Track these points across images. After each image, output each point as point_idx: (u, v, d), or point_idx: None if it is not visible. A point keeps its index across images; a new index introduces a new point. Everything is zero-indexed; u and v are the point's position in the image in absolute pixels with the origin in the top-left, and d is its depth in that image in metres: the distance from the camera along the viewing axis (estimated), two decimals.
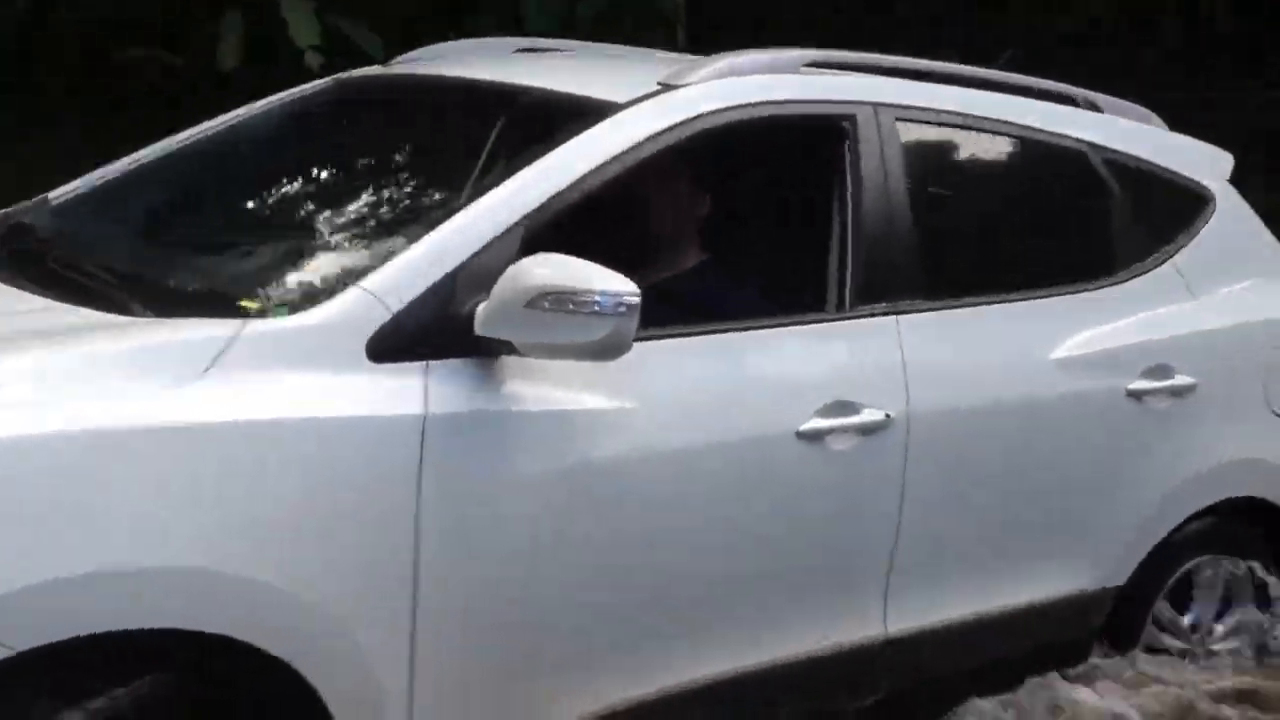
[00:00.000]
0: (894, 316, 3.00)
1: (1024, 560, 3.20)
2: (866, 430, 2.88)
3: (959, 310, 3.14)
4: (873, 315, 2.98)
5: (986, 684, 3.21)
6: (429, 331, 2.43)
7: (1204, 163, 3.75)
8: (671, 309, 2.89)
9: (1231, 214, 3.70)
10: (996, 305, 3.20)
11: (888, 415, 2.90)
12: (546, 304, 2.37)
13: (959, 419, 3.03)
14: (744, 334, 2.85)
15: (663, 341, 2.72)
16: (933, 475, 2.98)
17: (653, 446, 2.63)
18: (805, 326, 2.95)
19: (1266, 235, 3.78)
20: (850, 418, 2.86)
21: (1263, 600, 3.61)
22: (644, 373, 2.64)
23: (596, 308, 2.38)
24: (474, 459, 2.44)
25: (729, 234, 3.20)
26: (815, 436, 2.81)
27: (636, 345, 2.55)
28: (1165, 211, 3.61)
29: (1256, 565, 3.58)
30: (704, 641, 2.76)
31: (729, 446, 2.73)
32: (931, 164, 3.30)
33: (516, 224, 2.57)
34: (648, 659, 2.70)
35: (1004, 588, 3.16)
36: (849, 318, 2.98)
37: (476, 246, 2.52)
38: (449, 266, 2.48)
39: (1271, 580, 3.59)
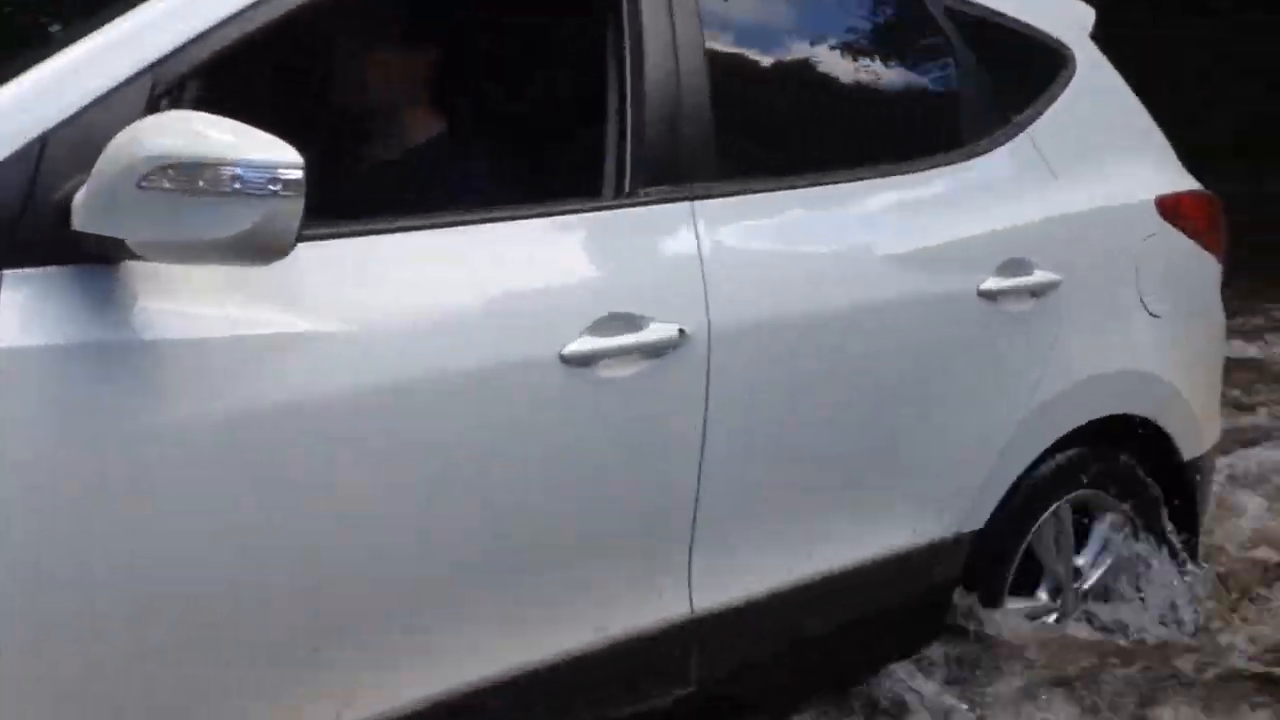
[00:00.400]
0: (689, 203, 2.30)
1: (860, 507, 2.54)
2: (654, 351, 2.18)
3: (772, 194, 2.45)
4: (662, 201, 2.28)
5: (823, 662, 2.57)
6: (1, 227, 1.66)
7: (1062, 15, 3.13)
8: (392, 195, 2.17)
9: (1095, 76, 3.09)
10: (819, 188, 2.52)
11: (681, 331, 2.20)
12: (167, 182, 1.61)
13: (773, 333, 2.34)
14: (490, 227, 2.13)
15: (377, 239, 1.99)
16: (742, 407, 2.30)
17: (358, 382, 1.90)
18: (573, 216, 2.23)
19: (1133, 101, 3.18)
20: (632, 335, 2.16)
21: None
22: (351, 282, 1.92)
23: (238, 185, 1.62)
24: (74, 411, 1.68)
25: (471, 96, 2.46)
26: (586, 361, 2.10)
27: (341, 245, 1.92)
28: (1019, 73, 2.97)
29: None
30: (442, 646, 2.05)
31: (466, 379, 2.00)
32: (736, 8, 2.59)
33: (140, 75, 1.79)
34: (362, 675, 1.97)
35: (838, 543, 2.50)
36: (630, 204, 2.26)
37: (77, 105, 1.74)
38: (32, 133, 1.70)
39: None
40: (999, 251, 2.70)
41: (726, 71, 2.43)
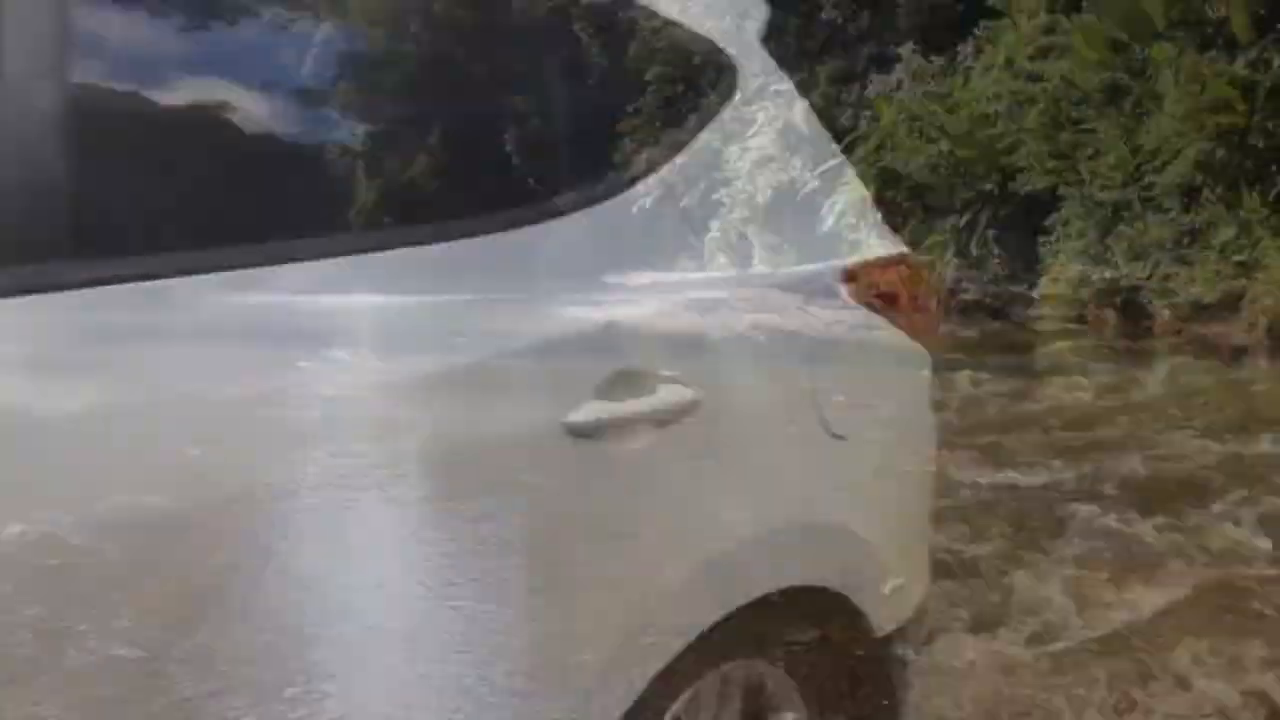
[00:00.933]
0: None
1: None
2: None
3: (163, 283, 1.42)
4: None
5: None
6: None
7: (722, 8, 2.20)
8: None
9: (765, 94, 2.17)
10: (252, 271, 1.49)
11: None
12: None
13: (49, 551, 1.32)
14: None
15: None
16: None
17: None
18: None
19: (818, 127, 2.27)
20: None
21: None
22: None
23: None
24: None
25: None
26: None
27: None
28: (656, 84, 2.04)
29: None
30: None
31: None
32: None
33: None
34: None
35: None
36: None
37: None
38: None
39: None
40: (600, 360, 1.74)
41: (100, 102, 1.41)
